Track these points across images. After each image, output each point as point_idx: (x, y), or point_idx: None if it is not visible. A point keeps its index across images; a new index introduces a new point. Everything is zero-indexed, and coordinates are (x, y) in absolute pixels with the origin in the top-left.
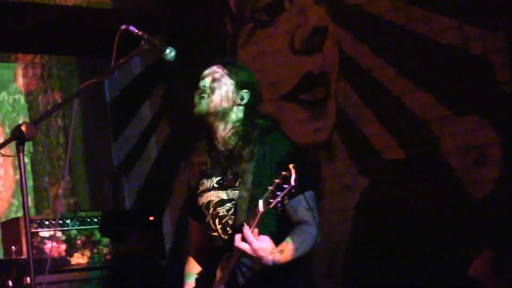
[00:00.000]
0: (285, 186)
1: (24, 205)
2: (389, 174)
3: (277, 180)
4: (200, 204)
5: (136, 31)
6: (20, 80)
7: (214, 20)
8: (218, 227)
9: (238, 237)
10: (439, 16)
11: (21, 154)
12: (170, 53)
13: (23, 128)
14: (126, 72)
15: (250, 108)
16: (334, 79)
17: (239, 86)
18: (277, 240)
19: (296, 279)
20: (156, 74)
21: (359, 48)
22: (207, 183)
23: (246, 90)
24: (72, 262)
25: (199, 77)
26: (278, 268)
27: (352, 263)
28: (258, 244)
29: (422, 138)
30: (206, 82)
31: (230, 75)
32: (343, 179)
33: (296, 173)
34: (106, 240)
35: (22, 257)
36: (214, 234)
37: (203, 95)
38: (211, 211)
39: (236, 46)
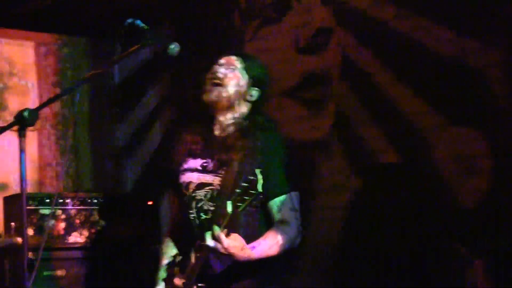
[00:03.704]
0: (251, 191)
1: (21, 185)
2: (381, 177)
3: (244, 184)
4: (181, 182)
5: (142, 25)
6: (33, 58)
7: (223, 13)
8: (194, 210)
9: (208, 235)
10: (441, 26)
11: (22, 139)
12: (174, 48)
13: (26, 114)
14: (136, 56)
15: (255, 106)
16: (335, 79)
17: (251, 83)
18: (257, 235)
19: (267, 272)
20: (164, 61)
21: (362, 51)
22: (192, 163)
23: (257, 89)
24: (70, 241)
25: (214, 62)
26: (249, 264)
27: (340, 261)
28: (229, 242)
29: (416, 144)
30: (222, 69)
31: (246, 69)
32: (337, 178)
33: (263, 178)
34: (104, 221)
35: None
36: (190, 216)
37: (216, 81)
38: (190, 192)
39: (243, 40)
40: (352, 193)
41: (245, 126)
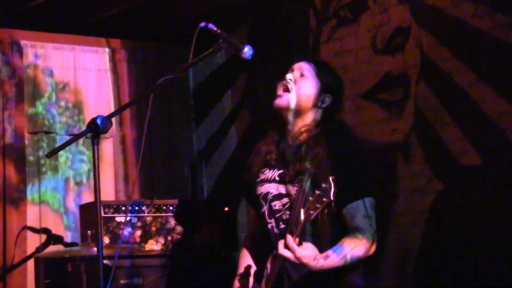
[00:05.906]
0: (324, 199)
1: (96, 192)
2: (463, 180)
3: (317, 192)
4: (259, 193)
5: (215, 29)
6: (107, 65)
7: (298, 14)
8: (272, 220)
9: (281, 244)
10: None
11: (95, 147)
12: (248, 51)
13: (99, 121)
14: (211, 61)
15: (328, 113)
16: (414, 80)
17: (323, 89)
18: (331, 243)
19: (344, 281)
20: (239, 65)
21: (441, 51)
22: (269, 174)
23: (329, 95)
24: (146, 248)
25: (287, 67)
26: (326, 272)
27: (423, 265)
28: (301, 252)
29: (498, 145)
30: (294, 75)
31: (318, 75)
32: (418, 182)
33: (336, 186)
34: (180, 228)
35: None
36: (269, 226)
37: (287, 86)
38: (268, 202)
39: (319, 42)
40: (434, 197)
41: (317, 134)
